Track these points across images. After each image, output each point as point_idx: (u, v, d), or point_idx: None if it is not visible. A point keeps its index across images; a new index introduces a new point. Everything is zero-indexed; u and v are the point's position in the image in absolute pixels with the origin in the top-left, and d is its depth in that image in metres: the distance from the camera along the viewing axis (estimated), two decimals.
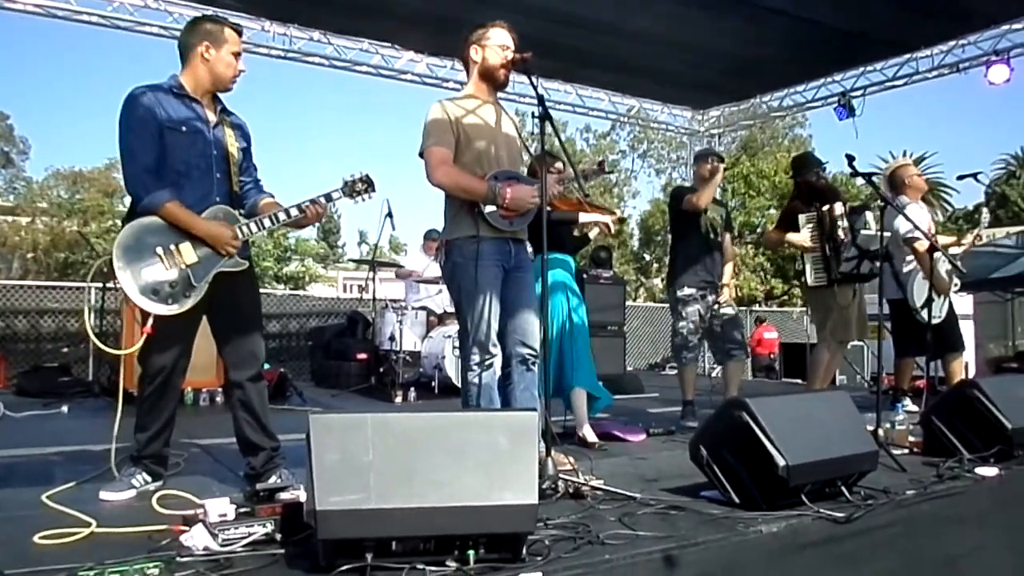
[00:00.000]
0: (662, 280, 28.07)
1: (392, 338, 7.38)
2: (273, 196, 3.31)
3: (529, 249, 3.67)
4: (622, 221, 5.93)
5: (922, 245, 5.54)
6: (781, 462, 2.80)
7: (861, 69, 9.12)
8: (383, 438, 2.09)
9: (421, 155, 3.37)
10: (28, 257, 30.02)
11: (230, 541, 2.24)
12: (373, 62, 8.53)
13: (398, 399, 6.64)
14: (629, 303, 12.17)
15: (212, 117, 3.13)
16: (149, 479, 3.12)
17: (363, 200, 3.28)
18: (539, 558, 2.18)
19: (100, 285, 6.95)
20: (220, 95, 3.21)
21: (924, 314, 5.65)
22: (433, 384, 7.25)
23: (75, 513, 2.62)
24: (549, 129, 3.11)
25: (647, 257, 29.12)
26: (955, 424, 3.95)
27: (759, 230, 22.56)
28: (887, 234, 5.16)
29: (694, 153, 6.46)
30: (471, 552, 2.08)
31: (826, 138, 31.76)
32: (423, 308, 7.96)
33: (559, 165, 4.02)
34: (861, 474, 3.18)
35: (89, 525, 2.47)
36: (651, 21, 7.55)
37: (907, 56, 8.69)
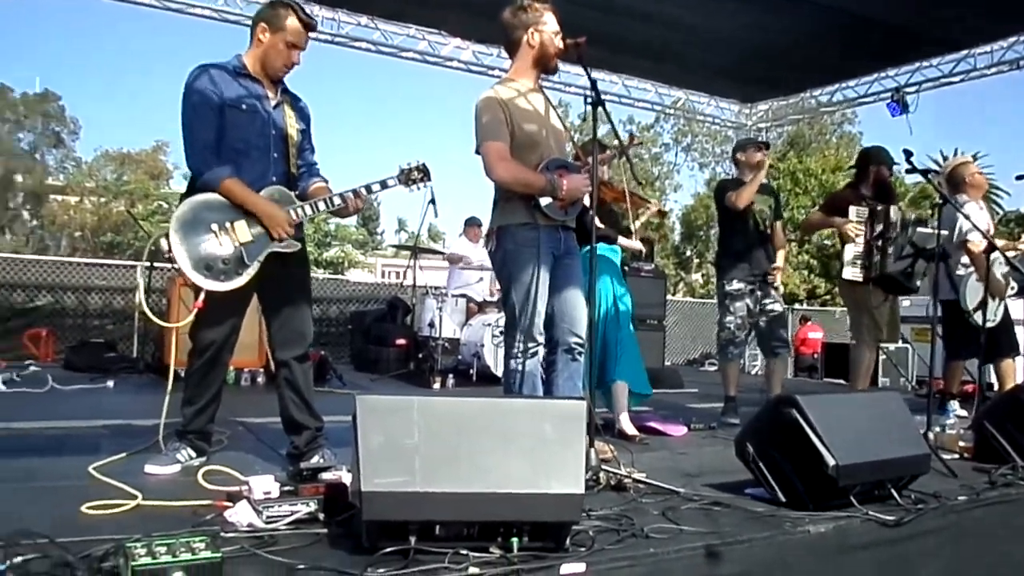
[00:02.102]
0: (703, 276, 27.85)
1: (432, 324, 7.40)
2: (327, 181, 3.29)
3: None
4: (663, 214, 5.85)
5: (977, 246, 5.38)
6: (831, 461, 2.73)
7: (916, 65, 8.90)
8: (429, 421, 2.07)
9: (477, 151, 3.32)
10: (76, 236, 30.75)
11: (274, 519, 2.25)
12: (420, 48, 8.53)
13: (436, 385, 6.65)
14: (668, 298, 12.06)
15: (273, 97, 3.11)
16: (194, 454, 3.15)
17: (418, 189, 3.27)
18: (583, 549, 2.15)
19: (148, 264, 7.06)
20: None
21: (977, 317, 5.54)
22: (471, 372, 7.25)
23: (121, 485, 2.65)
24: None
25: (688, 252, 28.82)
26: (1008, 429, 3.83)
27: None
28: (944, 232, 5.04)
29: (735, 144, 6.27)
30: (515, 540, 2.06)
31: (876, 136, 31.03)
32: (463, 295, 7.97)
33: (608, 153, 3.96)
34: (912, 477, 3.09)
35: (135, 497, 2.50)
36: (703, 13, 7.45)
37: (964, 52, 8.44)
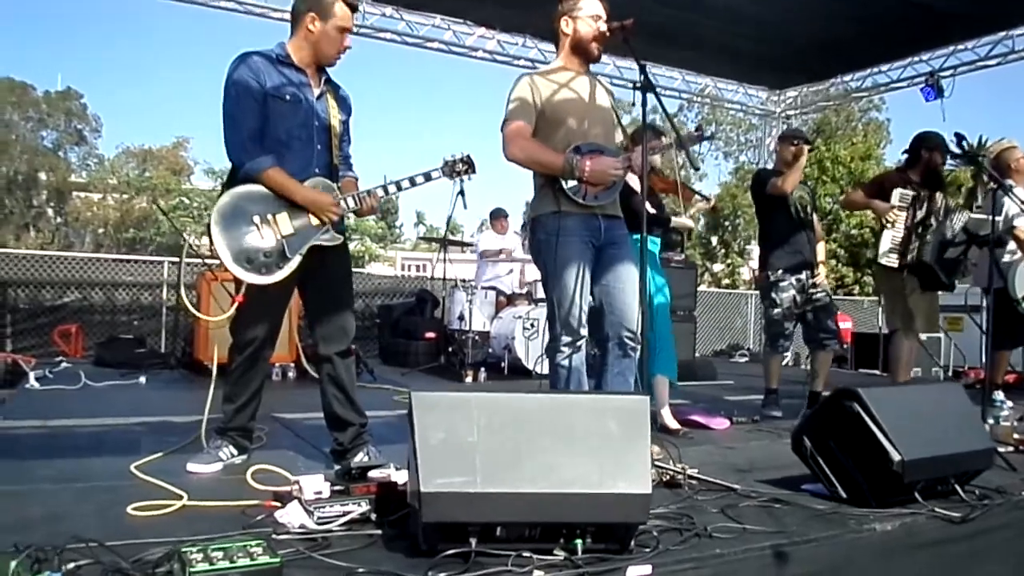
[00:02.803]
0: (728, 266, 27.56)
1: (461, 317, 7.33)
2: (357, 178, 3.24)
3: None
4: (715, 210, 5.76)
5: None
6: (896, 457, 2.63)
7: (951, 48, 8.67)
8: (488, 419, 1.99)
9: (502, 131, 3.25)
10: (99, 232, 30.99)
11: (326, 520, 2.18)
12: (445, 38, 8.44)
13: (468, 379, 6.58)
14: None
15: (316, 87, 3.04)
16: (235, 452, 3.10)
17: (463, 180, 3.22)
18: (647, 550, 2.07)
19: (186, 260, 7.05)
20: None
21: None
22: (502, 365, 7.17)
23: (165, 485, 2.61)
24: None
25: (713, 241, 28.52)
26: None
27: (829, 217, 21.71)
28: (998, 218, 4.88)
29: (780, 133, 6.16)
30: (579, 541, 1.98)
31: (904, 122, 30.48)
32: (492, 288, 7.89)
33: (664, 139, 3.83)
34: (975, 472, 2.98)
35: (181, 498, 2.44)
36: None
37: (1002, 34, 8.21)
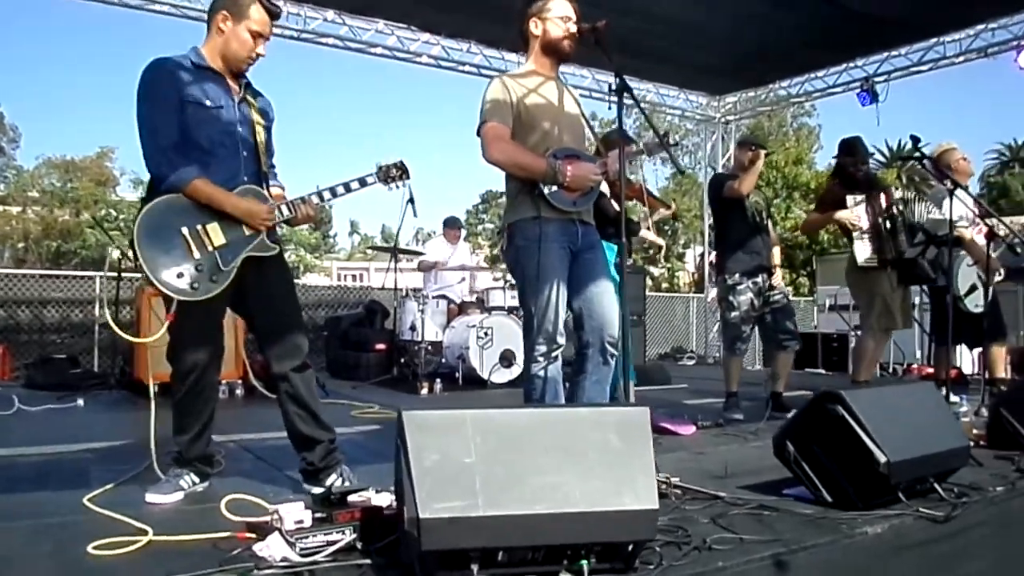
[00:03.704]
0: (668, 270, 27.88)
1: (413, 328, 7.18)
2: (283, 188, 3.09)
3: None
4: (675, 216, 5.79)
5: (965, 234, 5.37)
6: (882, 458, 2.61)
7: (885, 54, 8.93)
8: (485, 437, 1.89)
9: (478, 133, 3.16)
10: (19, 247, 29.62)
11: (310, 551, 2.04)
12: (388, 43, 8.28)
13: (424, 391, 6.42)
14: None
15: (236, 92, 2.86)
16: (196, 480, 2.92)
17: (397, 187, 3.09)
18: (651, 567, 2.00)
19: (115, 274, 6.70)
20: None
21: (968, 302, 5.55)
22: (457, 375, 7.05)
23: (126, 519, 2.41)
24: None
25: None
26: None
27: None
28: (938, 217, 5.01)
29: (737, 139, 6.27)
30: (584, 563, 1.89)
31: (834, 128, 31.48)
32: (443, 297, 7.75)
33: (634, 146, 3.80)
34: (952, 470, 3.01)
35: (145, 533, 2.25)
36: (670, 4, 7.35)
37: (934, 41, 8.50)
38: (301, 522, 2.10)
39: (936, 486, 2.88)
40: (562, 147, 3.17)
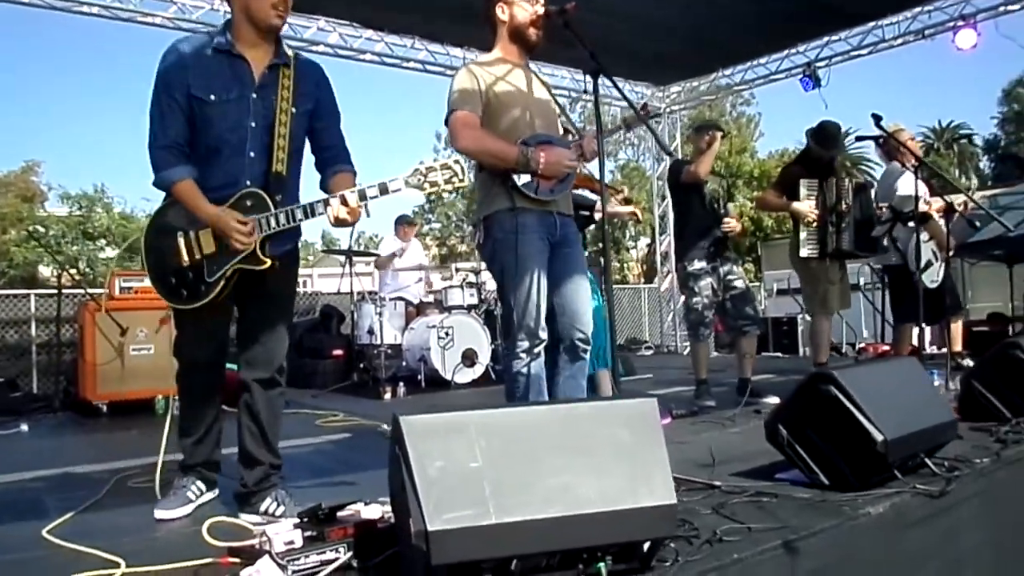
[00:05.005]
0: (618, 262, 28.00)
1: (371, 331, 7.00)
2: (352, 170, 2.73)
3: None
4: (628, 201, 5.76)
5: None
6: (879, 437, 2.58)
7: (825, 39, 9.03)
8: (491, 440, 1.77)
9: (447, 123, 3.05)
10: None
11: (304, 572, 1.90)
12: (330, 40, 8.04)
13: (387, 395, 6.25)
14: None
15: (258, 77, 2.58)
16: (204, 488, 2.80)
17: (444, 195, 2.80)
18: (667, 564, 1.91)
19: (54, 291, 6.37)
20: (284, 40, 2.67)
21: (924, 278, 5.63)
22: (419, 377, 6.89)
23: (93, 551, 2.22)
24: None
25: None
26: (998, 387, 3.81)
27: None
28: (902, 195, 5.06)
29: (694, 126, 6.30)
30: (601, 565, 1.79)
31: (773, 116, 32.17)
32: (400, 298, 7.58)
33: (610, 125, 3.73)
34: (941, 445, 3.00)
35: (117, 565, 2.08)
36: None
37: (872, 25, 8.64)
38: (292, 543, 1.96)
39: (927, 461, 2.87)
40: (535, 134, 3.08)
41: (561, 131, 3.27)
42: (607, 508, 1.76)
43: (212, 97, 2.53)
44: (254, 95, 2.59)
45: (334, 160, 2.74)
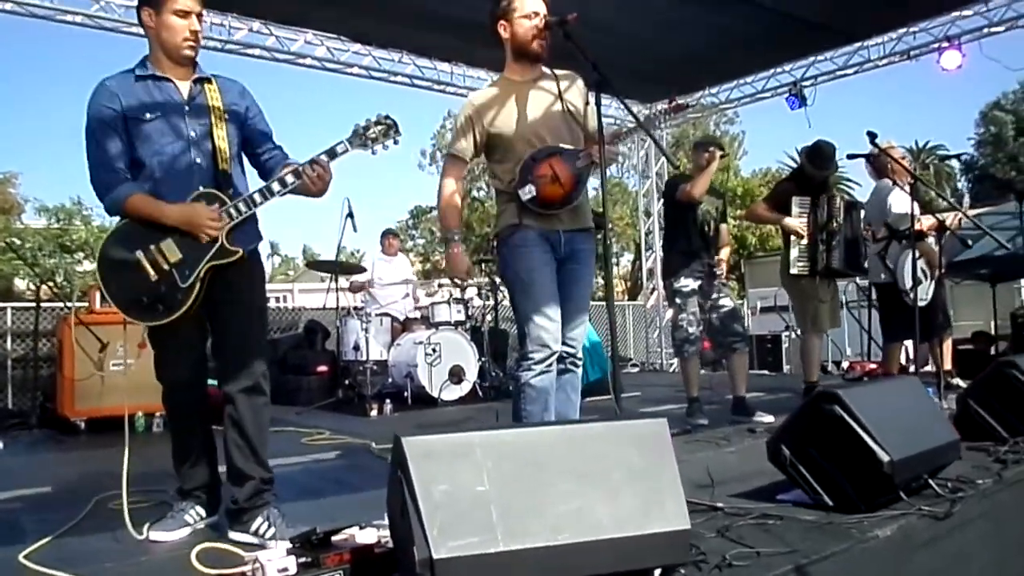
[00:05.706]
0: (599, 278, 27.99)
1: (357, 347, 6.90)
2: (295, 163, 2.77)
3: None
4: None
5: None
6: (885, 458, 2.53)
7: (811, 59, 9.11)
8: (498, 462, 1.70)
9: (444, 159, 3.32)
10: None
11: None
12: (318, 54, 8.00)
13: (374, 412, 6.13)
14: None
15: (185, 92, 2.69)
16: (203, 513, 2.74)
17: (384, 149, 2.71)
18: None
19: (33, 304, 6.21)
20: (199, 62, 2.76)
21: (913, 296, 5.63)
22: (406, 394, 6.79)
23: None
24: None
25: None
26: (993, 406, 3.79)
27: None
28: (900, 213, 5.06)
29: (694, 142, 6.30)
30: None
31: (756, 135, 32.47)
32: (385, 314, 7.48)
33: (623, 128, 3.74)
34: (944, 465, 2.96)
35: None
36: (600, 10, 7.32)
37: (858, 45, 8.71)
38: (286, 570, 1.87)
39: (931, 482, 2.82)
40: (542, 148, 3.12)
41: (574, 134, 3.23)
42: (619, 535, 1.70)
43: (147, 115, 2.63)
44: (187, 107, 2.68)
45: (279, 160, 2.81)
